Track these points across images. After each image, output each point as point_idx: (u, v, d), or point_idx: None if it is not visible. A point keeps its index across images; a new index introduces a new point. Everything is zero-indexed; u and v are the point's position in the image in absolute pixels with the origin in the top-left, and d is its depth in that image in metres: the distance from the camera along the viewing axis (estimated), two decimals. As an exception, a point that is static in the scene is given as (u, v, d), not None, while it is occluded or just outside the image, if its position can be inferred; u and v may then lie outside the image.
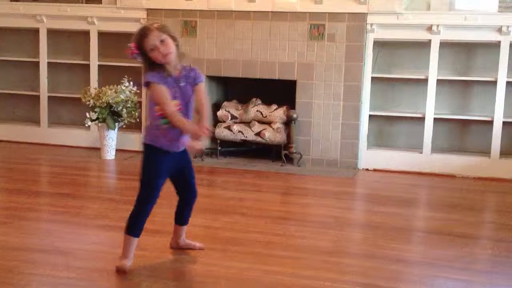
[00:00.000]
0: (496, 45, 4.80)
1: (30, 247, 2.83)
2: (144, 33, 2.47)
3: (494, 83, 4.83)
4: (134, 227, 2.60)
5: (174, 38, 2.51)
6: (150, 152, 2.61)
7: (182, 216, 2.82)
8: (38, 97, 5.77)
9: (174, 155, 2.63)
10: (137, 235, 2.61)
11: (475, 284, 2.54)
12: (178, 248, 2.84)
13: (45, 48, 5.69)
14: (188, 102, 2.58)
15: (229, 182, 4.48)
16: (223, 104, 5.34)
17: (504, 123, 4.84)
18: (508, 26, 4.70)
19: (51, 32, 5.69)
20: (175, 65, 2.55)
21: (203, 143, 2.62)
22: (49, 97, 5.76)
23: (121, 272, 2.53)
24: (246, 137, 5.18)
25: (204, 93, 2.63)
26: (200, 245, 2.87)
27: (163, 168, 2.61)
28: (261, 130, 5.09)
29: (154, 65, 2.50)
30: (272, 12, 5.04)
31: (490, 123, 4.88)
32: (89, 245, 2.88)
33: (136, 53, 2.50)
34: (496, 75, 4.80)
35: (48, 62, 5.71)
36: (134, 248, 2.61)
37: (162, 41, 2.46)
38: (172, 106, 2.50)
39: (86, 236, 3.05)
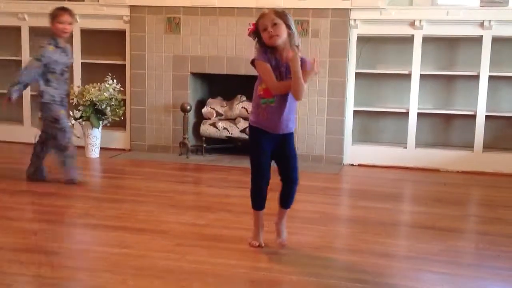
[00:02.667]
0: (478, 40, 4.83)
1: (14, 246, 2.80)
2: (262, 14, 2.64)
3: (476, 77, 4.87)
4: (253, 202, 2.81)
5: (289, 27, 2.61)
6: (252, 133, 2.78)
7: (281, 199, 2.85)
8: (21, 96, 5.70)
9: (275, 137, 2.73)
10: (258, 208, 2.81)
11: (460, 277, 2.56)
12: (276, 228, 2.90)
13: (27, 46, 5.63)
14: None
15: (215, 179, 4.47)
16: (208, 101, 5.33)
17: (487, 117, 4.88)
18: (490, 21, 4.74)
19: (34, 30, 5.63)
20: (282, 50, 2.63)
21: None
22: (32, 96, 5.70)
23: (253, 246, 2.82)
24: (232, 134, 5.17)
25: (302, 81, 2.63)
26: (281, 242, 2.85)
27: (264, 148, 2.73)
28: (247, 127, 5.08)
29: (264, 46, 2.64)
30: (256, 8, 5.02)
31: (473, 117, 4.93)
32: (74, 244, 2.86)
33: (253, 31, 2.66)
34: (479, 69, 4.84)
35: (30, 61, 5.65)
36: (262, 220, 2.82)
37: (274, 24, 2.59)
38: (275, 81, 2.63)
39: (71, 235, 3.03)
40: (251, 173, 2.76)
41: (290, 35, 2.63)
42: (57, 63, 3.97)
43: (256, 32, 2.66)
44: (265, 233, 2.90)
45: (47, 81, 3.97)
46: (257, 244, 2.84)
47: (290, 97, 2.69)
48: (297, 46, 2.66)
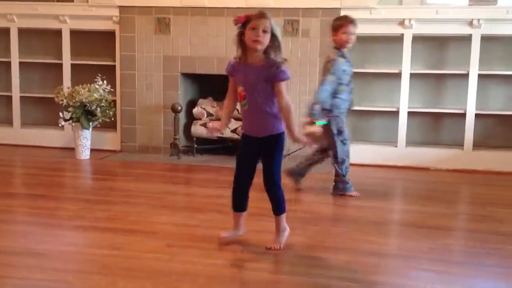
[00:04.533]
0: (468, 38, 4.86)
1: (3, 249, 2.78)
2: (260, 13, 2.63)
3: (466, 76, 4.90)
4: (232, 202, 2.87)
5: (274, 36, 2.62)
6: (241, 136, 2.87)
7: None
8: (10, 98, 5.69)
9: (256, 140, 2.75)
10: (235, 209, 2.87)
11: (450, 275, 2.57)
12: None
13: (16, 47, 5.60)
14: (254, 91, 2.67)
15: (206, 180, 4.46)
16: (199, 101, 5.33)
17: (476, 115, 4.91)
18: (479, 20, 4.77)
19: (22, 31, 5.61)
20: (258, 56, 2.65)
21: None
22: (21, 97, 5.68)
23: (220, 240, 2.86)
24: (222, 134, 5.15)
25: (282, 94, 2.65)
26: (267, 246, 2.86)
27: (243, 152, 2.80)
28: (237, 127, 5.08)
29: (241, 45, 2.67)
30: (246, 8, 5.02)
31: (463, 115, 4.95)
32: (64, 247, 2.84)
33: (241, 23, 2.64)
34: (468, 68, 4.87)
35: (19, 62, 5.63)
36: (239, 221, 2.88)
37: (264, 31, 2.60)
38: (228, 95, 2.80)
39: (61, 237, 3.01)
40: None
41: (270, 47, 2.63)
42: (345, 73, 3.86)
43: (243, 25, 2.64)
44: (250, 232, 2.91)
45: (336, 93, 3.85)
46: (221, 235, 2.88)
47: (263, 99, 2.67)
48: (285, 60, 2.67)
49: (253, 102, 2.70)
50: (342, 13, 4.90)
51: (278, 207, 2.84)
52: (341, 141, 3.94)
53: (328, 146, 4.00)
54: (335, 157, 3.97)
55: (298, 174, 4.13)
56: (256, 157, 2.79)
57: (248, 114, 2.75)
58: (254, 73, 2.65)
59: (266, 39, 2.61)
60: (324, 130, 3.74)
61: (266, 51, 2.63)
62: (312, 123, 3.64)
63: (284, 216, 2.87)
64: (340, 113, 3.91)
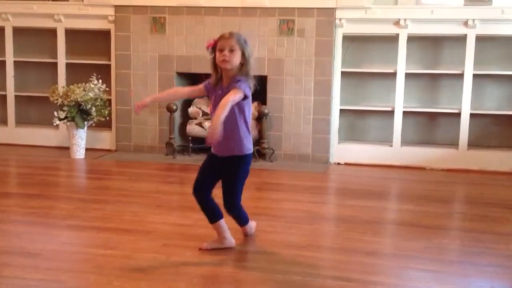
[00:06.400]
0: (463, 38, 4.87)
1: (-2, 249, 2.78)
2: (224, 35, 2.67)
3: (461, 76, 4.91)
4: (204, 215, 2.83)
5: (244, 56, 2.64)
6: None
7: None
8: (5, 97, 5.67)
9: (217, 158, 2.74)
10: (209, 221, 2.82)
11: (445, 274, 2.58)
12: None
13: (11, 46, 5.58)
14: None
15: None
16: (194, 100, 5.32)
17: (471, 115, 4.92)
18: (474, 20, 4.78)
19: (17, 30, 5.59)
20: (228, 76, 2.66)
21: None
22: (16, 97, 5.66)
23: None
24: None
25: (230, 94, 2.57)
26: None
27: (205, 166, 2.78)
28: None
29: (213, 67, 2.70)
30: (241, 7, 5.02)
31: (457, 115, 4.96)
32: (58, 246, 2.84)
33: (211, 47, 2.68)
34: (463, 68, 4.88)
35: (14, 61, 5.61)
36: (219, 232, 2.80)
37: (231, 50, 2.62)
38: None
39: (56, 236, 3.00)
40: None
41: (243, 64, 2.65)
42: None
43: (214, 48, 2.68)
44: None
45: None
46: (204, 246, 2.80)
47: (229, 117, 2.58)
48: (251, 77, 2.67)
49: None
50: (338, 13, 4.92)
51: (241, 220, 2.90)
52: None
53: None
54: None
55: None
56: (216, 175, 2.75)
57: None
58: (222, 93, 2.63)
59: (234, 57, 2.62)
60: None
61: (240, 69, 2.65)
62: None
63: (249, 224, 2.95)
64: None
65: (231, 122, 2.62)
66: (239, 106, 2.63)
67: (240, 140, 2.69)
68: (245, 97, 2.60)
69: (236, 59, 2.63)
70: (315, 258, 2.76)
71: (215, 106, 2.64)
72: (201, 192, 2.77)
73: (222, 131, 2.48)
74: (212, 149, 2.77)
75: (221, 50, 2.63)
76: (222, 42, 2.64)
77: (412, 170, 4.91)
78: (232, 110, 2.58)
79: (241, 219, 2.90)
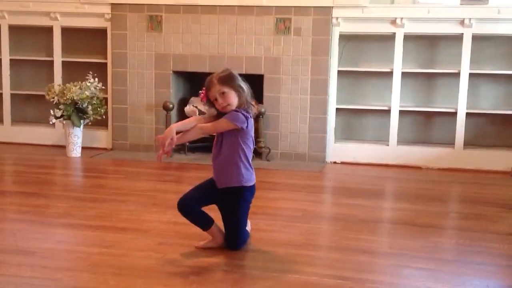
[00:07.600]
0: (459, 38, 4.88)
1: (-7, 247, 2.77)
2: (207, 86, 2.67)
3: (457, 75, 4.92)
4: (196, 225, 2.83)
5: (237, 90, 2.64)
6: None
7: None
8: (1, 95, 5.66)
9: (217, 188, 2.76)
10: (201, 229, 2.80)
11: (440, 273, 2.58)
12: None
13: (7, 44, 5.57)
14: (222, 139, 2.73)
15: (198, 178, 4.39)
16: (191, 99, 5.31)
17: (467, 114, 4.93)
18: (470, 19, 4.78)
19: (13, 28, 5.57)
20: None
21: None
22: (12, 95, 5.65)
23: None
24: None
25: (217, 121, 2.69)
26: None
27: (203, 186, 2.81)
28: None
29: (218, 112, 2.71)
30: (238, 6, 5.02)
31: (454, 114, 4.97)
32: (54, 244, 2.83)
33: (205, 100, 2.71)
34: (459, 67, 4.88)
35: (10, 59, 5.60)
36: (213, 234, 2.77)
37: (222, 94, 2.63)
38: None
39: (51, 235, 2.99)
40: None
41: (240, 97, 2.65)
42: None
43: (208, 100, 2.69)
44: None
45: None
46: (200, 245, 2.80)
47: (227, 148, 2.68)
48: (252, 105, 2.71)
49: (217, 150, 2.74)
50: (334, 11, 4.92)
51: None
52: None
53: None
54: None
55: None
56: (211, 200, 2.76)
57: (214, 162, 2.79)
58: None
59: (229, 99, 2.64)
60: None
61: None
62: None
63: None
64: None
65: (234, 153, 2.69)
66: (241, 136, 2.68)
67: (242, 170, 2.71)
68: (239, 126, 2.63)
69: (232, 98, 2.64)
70: (311, 257, 2.76)
71: (218, 135, 2.76)
72: (187, 207, 2.75)
73: (173, 139, 2.67)
74: (214, 178, 2.79)
75: (215, 100, 2.66)
76: (210, 93, 2.66)
77: (408, 169, 4.92)
78: (235, 142, 2.67)
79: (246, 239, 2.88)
